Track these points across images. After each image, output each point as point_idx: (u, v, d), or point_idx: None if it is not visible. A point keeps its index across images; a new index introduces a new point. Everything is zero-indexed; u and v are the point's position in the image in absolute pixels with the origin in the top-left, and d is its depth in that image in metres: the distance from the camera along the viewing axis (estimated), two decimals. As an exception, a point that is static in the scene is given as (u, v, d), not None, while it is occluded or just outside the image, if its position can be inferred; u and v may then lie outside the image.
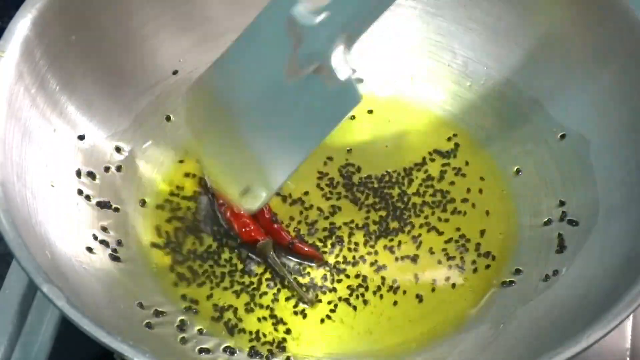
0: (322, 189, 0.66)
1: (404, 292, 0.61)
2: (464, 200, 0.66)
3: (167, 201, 0.65)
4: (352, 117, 0.69)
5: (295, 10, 0.56)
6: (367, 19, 0.55)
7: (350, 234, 0.64)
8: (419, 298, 0.61)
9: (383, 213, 0.65)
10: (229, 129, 0.60)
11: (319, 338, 0.59)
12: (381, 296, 0.61)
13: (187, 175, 0.66)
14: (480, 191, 0.66)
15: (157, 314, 0.59)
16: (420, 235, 0.64)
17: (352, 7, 0.54)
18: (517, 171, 0.66)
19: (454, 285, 0.61)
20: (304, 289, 0.61)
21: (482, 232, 0.64)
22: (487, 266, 0.62)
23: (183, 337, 0.58)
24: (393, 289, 0.61)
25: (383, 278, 0.62)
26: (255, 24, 0.59)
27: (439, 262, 0.63)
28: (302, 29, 0.55)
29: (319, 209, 0.65)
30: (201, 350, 0.58)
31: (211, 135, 0.62)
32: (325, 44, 0.55)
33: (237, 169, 0.61)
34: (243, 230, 0.63)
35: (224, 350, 0.58)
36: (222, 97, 0.60)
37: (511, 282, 0.61)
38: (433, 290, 0.61)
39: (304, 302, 0.60)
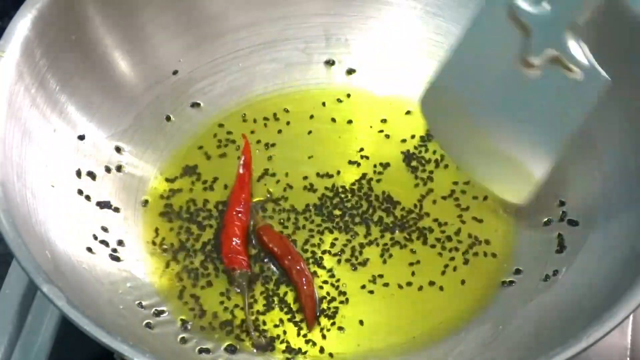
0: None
1: (402, 287, 0.61)
2: (463, 192, 0.66)
3: (168, 201, 0.65)
4: (350, 121, 0.69)
5: (517, 1, 0.56)
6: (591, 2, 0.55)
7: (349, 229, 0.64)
8: (419, 293, 0.61)
9: (384, 215, 0.65)
10: (476, 130, 0.61)
11: (320, 337, 0.59)
12: (380, 293, 0.61)
13: (187, 174, 0.66)
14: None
15: (157, 314, 0.59)
16: (423, 228, 0.64)
17: None
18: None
19: (454, 284, 0.61)
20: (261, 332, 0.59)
21: (481, 224, 0.64)
22: (487, 265, 0.62)
23: (183, 337, 0.58)
24: (392, 285, 0.61)
25: (381, 275, 0.62)
26: (476, 20, 0.59)
27: (440, 254, 0.63)
28: (528, 19, 0.55)
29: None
30: (201, 350, 0.58)
31: (460, 138, 0.63)
32: (556, 31, 0.54)
33: (496, 166, 0.62)
34: (229, 256, 0.61)
35: (225, 350, 0.58)
36: (460, 99, 0.61)
37: (511, 282, 0.61)
38: (430, 283, 0.61)
39: (254, 346, 0.58)
